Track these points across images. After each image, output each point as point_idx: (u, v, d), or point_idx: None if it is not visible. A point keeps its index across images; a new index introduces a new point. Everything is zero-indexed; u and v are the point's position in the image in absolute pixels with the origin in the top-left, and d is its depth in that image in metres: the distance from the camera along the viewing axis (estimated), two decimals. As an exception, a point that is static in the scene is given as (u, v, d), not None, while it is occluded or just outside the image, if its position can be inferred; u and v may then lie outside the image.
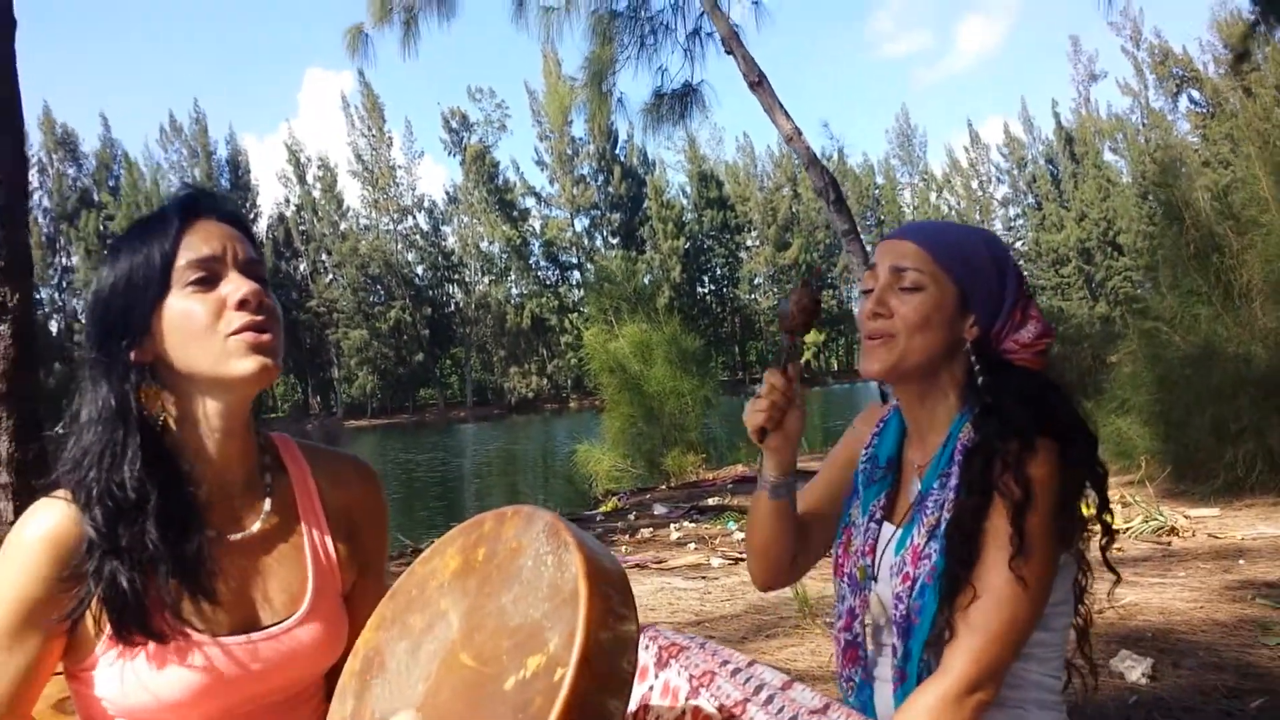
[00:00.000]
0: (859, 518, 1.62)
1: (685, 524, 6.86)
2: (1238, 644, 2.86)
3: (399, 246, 69.99)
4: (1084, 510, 1.47)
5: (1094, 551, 1.51)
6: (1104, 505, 1.47)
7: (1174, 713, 2.32)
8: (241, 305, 1.21)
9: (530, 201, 73.64)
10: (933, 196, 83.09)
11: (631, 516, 7.72)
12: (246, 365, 1.21)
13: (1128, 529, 4.73)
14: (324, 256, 67.95)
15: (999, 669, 1.37)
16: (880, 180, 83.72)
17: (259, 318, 1.22)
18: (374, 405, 65.55)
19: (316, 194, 68.67)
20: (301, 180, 68.88)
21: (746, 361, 73.01)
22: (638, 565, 5.19)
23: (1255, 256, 6.25)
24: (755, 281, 74.80)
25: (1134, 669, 2.59)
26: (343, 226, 68.31)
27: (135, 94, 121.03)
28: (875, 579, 1.55)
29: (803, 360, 1.64)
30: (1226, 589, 3.54)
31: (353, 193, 74.46)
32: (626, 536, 6.54)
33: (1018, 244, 76.09)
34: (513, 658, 1.01)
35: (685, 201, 75.69)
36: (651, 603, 4.13)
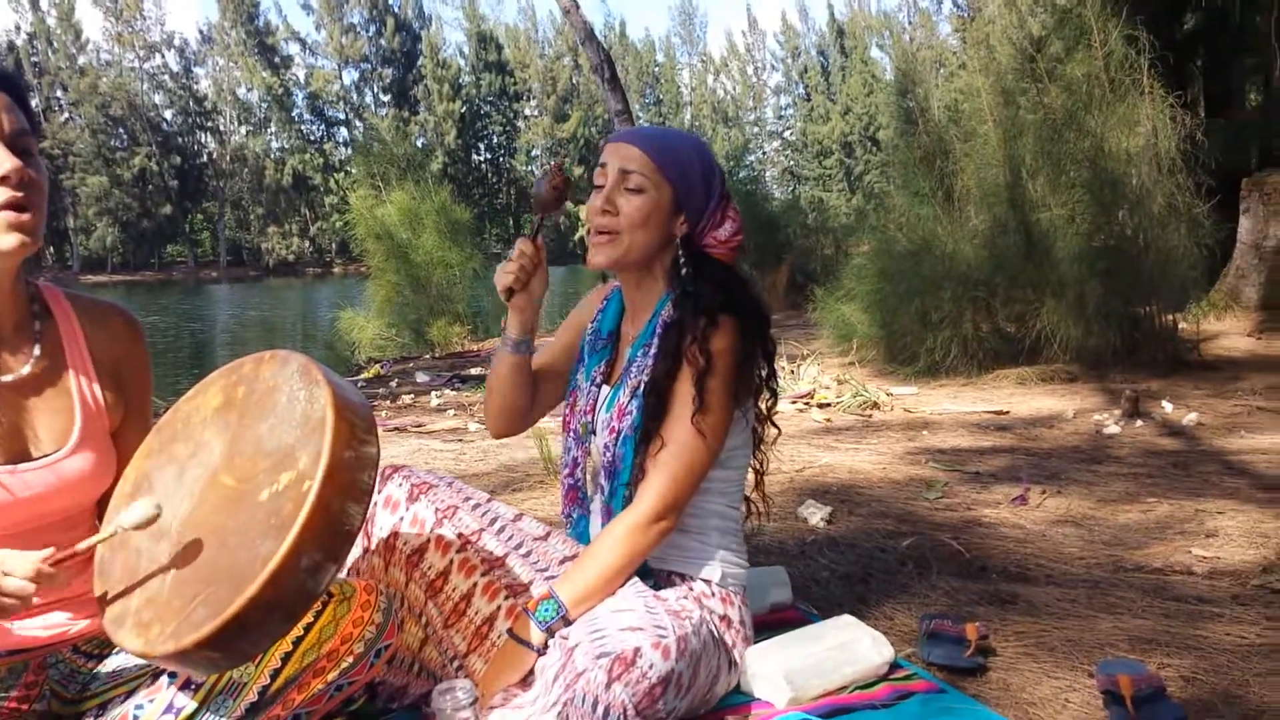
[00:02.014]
0: (583, 382, 1.90)
1: (447, 391, 7.07)
2: (905, 497, 3.42)
3: (145, 87, 64.08)
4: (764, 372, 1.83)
5: (808, 421, 1.87)
6: (771, 374, 1.82)
7: (840, 548, 2.81)
8: (2, 181, 1.28)
9: (294, 48, 69.10)
10: (710, 79, 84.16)
11: (393, 383, 7.84)
12: (5, 242, 1.30)
13: (838, 403, 5.34)
14: (59, 93, 61.24)
15: (679, 503, 1.70)
16: (660, 58, 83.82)
17: (19, 194, 1.29)
18: (115, 260, 60.61)
19: (51, 22, 61.42)
20: (35, 5, 61.34)
21: (521, 234, 72.47)
22: (396, 428, 5.38)
23: (972, 164, 6.96)
24: (533, 153, 73.84)
25: (815, 514, 3.08)
26: (81, 61, 61.71)
27: None
28: (594, 433, 1.85)
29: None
30: (907, 454, 4.15)
31: (93, 24, 67.16)
32: (388, 402, 6.68)
33: (786, 133, 78.68)
34: (268, 475, 1.22)
35: (462, 63, 73.14)
36: (408, 462, 4.35)
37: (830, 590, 2.49)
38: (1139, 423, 4.56)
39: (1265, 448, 4.00)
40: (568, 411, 1.93)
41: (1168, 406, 4.86)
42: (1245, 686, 1.87)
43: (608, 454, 1.78)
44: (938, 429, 4.71)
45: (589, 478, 1.90)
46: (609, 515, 1.78)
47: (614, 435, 1.77)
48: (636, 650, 1.47)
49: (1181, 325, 6.29)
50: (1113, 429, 4.49)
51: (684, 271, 1.76)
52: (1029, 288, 6.27)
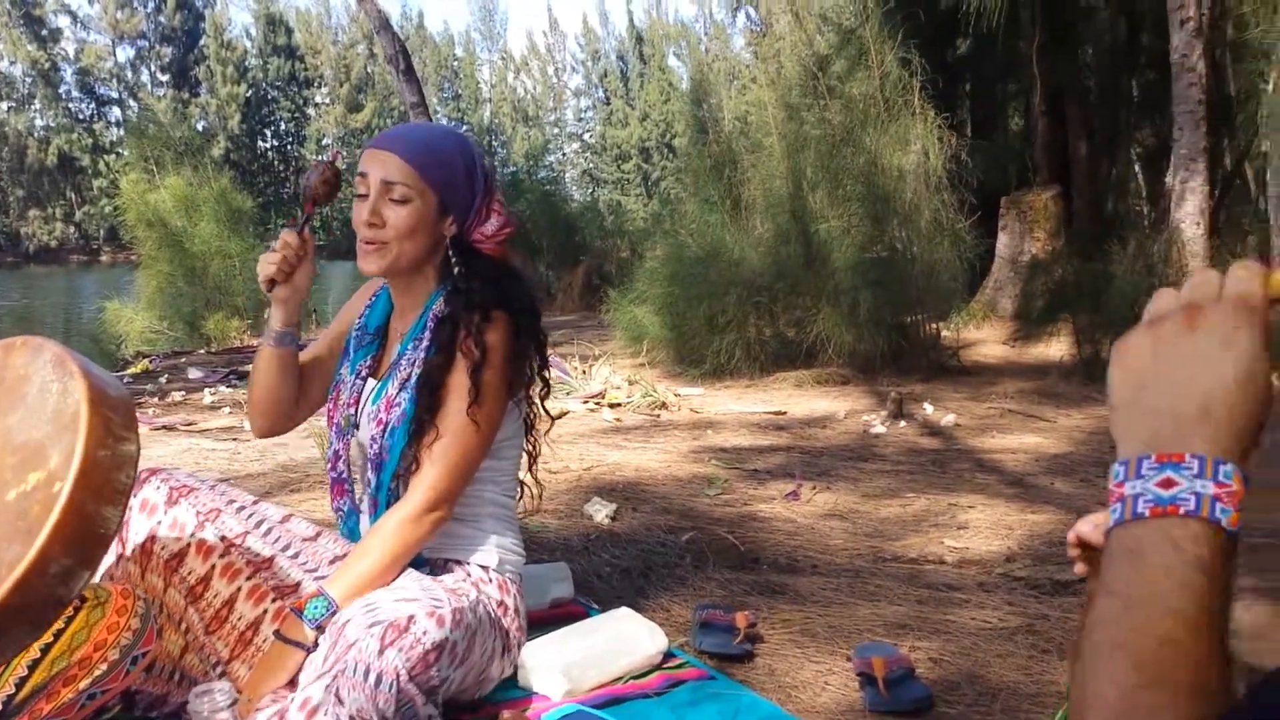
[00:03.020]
0: (347, 376, 1.89)
1: (221, 389, 6.73)
2: (687, 494, 3.53)
3: (-114, 53, 57.75)
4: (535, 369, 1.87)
5: (598, 421, 1.90)
6: (544, 364, 1.87)
7: (623, 543, 2.87)
8: None
9: (64, 21, 63.84)
10: (510, 76, 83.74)
11: (163, 379, 7.39)
12: None
13: (628, 403, 5.45)
14: None
15: (453, 494, 1.71)
16: (460, 53, 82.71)
17: None
18: None
19: None
20: None
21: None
22: (165, 427, 5.08)
23: (759, 174, 7.25)
24: (324, 142, 71.11)
25: (600, 511, 3.14)
26: None
27: None
28: (357, 426, 1.84)
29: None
30: (691, 452, 4.28)
31: None
32: (156, 399, 6.30)
33: (586, 136, 79.24)
34: (15, 473, 1.14)
35: (249, 45, 69.70)
36: (176, 462, 4.12)
37: (611, 584, 2.54)
38: (903, 423, 4.87)
39: (1014, 447, 4.36)
40: (331, 405, 1.92)
41: (929, 408, 5.22)
42: (986, 666, 2.04)
43: (374, 446, 1.77)
44: (721, 428, 4.88)
45: (353, 472, 1.89)
46: (375, 508, 1.78)
47: (381, 427, 1.76)
48: (410, 617, 1.47)
49: (944, 333, 6.76)
50: (879, 429, 4.78)
51: (456, 270, 1.77)
52: (808, 295, 6.58)
